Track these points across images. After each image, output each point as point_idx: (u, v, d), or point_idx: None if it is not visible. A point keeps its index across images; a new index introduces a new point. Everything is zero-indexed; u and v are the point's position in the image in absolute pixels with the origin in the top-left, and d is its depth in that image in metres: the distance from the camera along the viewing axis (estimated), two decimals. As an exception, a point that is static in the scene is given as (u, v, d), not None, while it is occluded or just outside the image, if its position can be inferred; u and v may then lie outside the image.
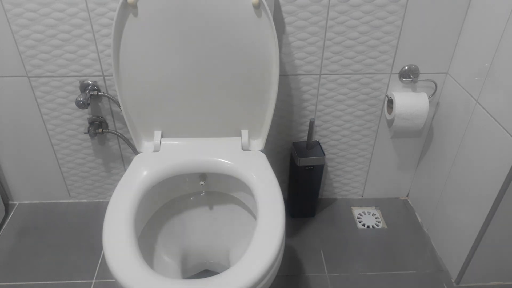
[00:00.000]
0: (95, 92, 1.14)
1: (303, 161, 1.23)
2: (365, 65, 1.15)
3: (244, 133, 1.03)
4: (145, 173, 0.94)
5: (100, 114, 1.21)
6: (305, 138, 1.30)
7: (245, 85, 0.97)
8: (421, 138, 1.31)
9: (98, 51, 1.09)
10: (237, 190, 1.01)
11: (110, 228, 0.81)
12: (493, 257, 1.09)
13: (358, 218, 1.39)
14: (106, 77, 1.14)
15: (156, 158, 1.00)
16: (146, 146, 1.04)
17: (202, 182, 1.01)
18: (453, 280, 1.17)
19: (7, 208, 1.39)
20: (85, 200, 1.42)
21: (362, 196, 1.47)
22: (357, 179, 1.42)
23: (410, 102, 1.15)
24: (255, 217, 0.90)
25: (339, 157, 1.35)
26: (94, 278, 1.17)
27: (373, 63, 1.15)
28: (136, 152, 1.03)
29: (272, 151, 1.32)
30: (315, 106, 1.23)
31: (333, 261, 1.23)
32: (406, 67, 1.16)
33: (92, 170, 1.34)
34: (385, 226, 1.36)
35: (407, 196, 1.47)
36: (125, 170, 1.14)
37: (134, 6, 0.87)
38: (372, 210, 1.42)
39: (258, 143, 1.05)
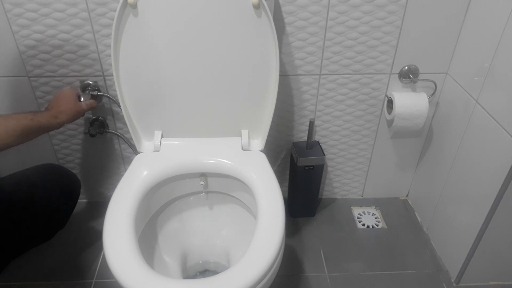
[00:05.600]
0: (95, 92, 1.14)
1: (303, 161, 1.23)
2: (365, 65, 1.15)
3: (244, 133, 1.04)
4: (145, 173, 0.94)
5: (100, 114, 1.21)
6: (305, 138, 1.30)
7: (245, 85, 0.98)
8: (420, 138, 1.31)
9: (99, 51, 1.09)
10: (237, 190, 1.01)
11: (111, 228, 0.81)
12: (493, 257, 1.10)
13: (358, 218, 1.39)
14: (106, 77, 1.14)
15: (156, 158, 1.00)
16: (146, 146, 1.04)
17: (202, 182, 1.01)
18: (452, 280, 1.17)
19: (8, 208, 1.39)
20: (86, 200, 1.42)
21: (362, 196, 1.47)
22: (356, 179, 1.42)
23: (410, 102, 1.15)
24: (255, 217, 0.91)
25: (339, 157, 1.36)
26: (94, 278, 1.17)
27: (373, 63, 1.15)
28: (136, 152, 1.04)
29: (272, 151, 1.33)
30: (315, 106, 1.23)
31: (333, 261, 1.23)
32: (406, 67, 1.16)
33: (92, 170, 1.34)
34: (385, 226, 1.36)
35: (407, 196, 1.47)
36: (125, 170, 1.14)
37: (134, 6, 0.87)
38: (372, 210, 1.43)
39: (258, 143, 1.05)
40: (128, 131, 1.20)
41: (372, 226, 1.36)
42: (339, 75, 1.17)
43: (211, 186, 1.03)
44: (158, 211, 1.01)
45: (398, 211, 1.42)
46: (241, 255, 0.75)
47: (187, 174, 0.99)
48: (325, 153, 1.31)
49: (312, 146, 1.27)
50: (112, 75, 0.94)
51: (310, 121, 1.20)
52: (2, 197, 0.92)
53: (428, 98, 1.17)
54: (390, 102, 1.19)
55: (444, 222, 1.22)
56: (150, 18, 0.89)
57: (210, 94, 0.99)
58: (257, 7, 0.88)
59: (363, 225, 1.36)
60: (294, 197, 1.35)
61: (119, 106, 1.17)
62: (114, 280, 0.72)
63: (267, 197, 0.87)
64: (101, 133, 1.21)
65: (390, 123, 1.27)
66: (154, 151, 1.02)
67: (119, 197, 0.88)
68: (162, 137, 1.04)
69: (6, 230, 0.90)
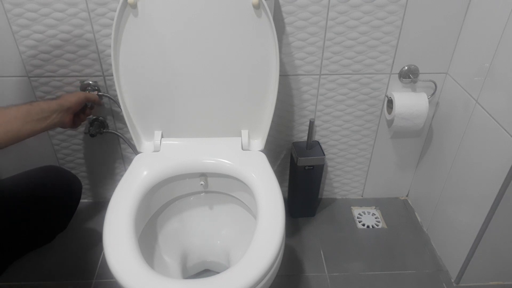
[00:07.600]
0: (95, 92, 1.14)
1: (303, 161, 1.23)
2: (365, 65, 1.15)
3: (244, 133, 1.04)
4: (145, 173, 0.94)
5: (100, 114, 1.22)
6: (305, 138, 1.30)
7: (245, 85, 0.98)
8: (420, 138, 1.31)
9: (99, 51, 1.09)
10: (237, 190, 1.01)
11: (111, 228, 0.81)
12: (493, 257, 1.10)
13: (358, 218, 1.39)
14: (106, 77, 1.14)
15: (156, 158, 1.00)
16: (146, 146, 1.04)
17: (202, 182, 1.01)
18: (452, 280, 1.17)
19: (8, 208, 1.39)
20: (86, 200, 1.42)
21: (362, 196, 1.47)
22: (357, 179, 1.42)
23: (410, 102, 1.15)
24: (255, 217, 0.91)
25: (339, 157, 1.36)
26: (94, 278, 1.17)
27: (373, 63, 1.15)
28: (136, 152, 1.04)
29: (272, 151, 1.33)
30: (315, 106, 1.23)
31: (333, 261, 1.23)
32: (406, 67, 1.16)
33: (93, 170, 1.34)
34: (385, 226, 1.36)
35: (407, 196, 1.47)
36: (125, 170, 1.14)
37: (134, 6, 0.87)
38: (372, 210, 1.43)
39: (258, 143, 1.05)
40: (128, 131, 1.20)
41: (372, 226, 1.36)
42: (339, 75, 1.17)
43: (211, 186, 1.03)
44: (158, 211, 1.01)
45: (398, 211, 1.42)
46: (241, 255, 0.75)
47: (187, 174, 0.99)
48: (325, 153, 1.31)
49: (312, 146, 1.27)
50: (112, 75, 0.94)
51: (310, 121, 1.20)
52: (3, 199, 0.92)
53: (428, 98, 1.17)
54: (390, 102, 1.19)
55: (444, 222, 1.22)
56: (150, 18, 0.89)
57: (210, 94, 0.99)
58: (257, 7, 0.88)
59: (363, 225, 1.36)
60: (294, 197, 1.35)
61: (119, 106, 1.17)
62: (114, 280, 0.72)
63: (267, 197, 0.87)
64: (101, 133, 1.21)
65: (390, 123, 1.27)
66: (154, 151, 1.02)
67: (119, 197, 0.88)
68: (162, 137, 1.04)
69: (7, 232, 0.90)
